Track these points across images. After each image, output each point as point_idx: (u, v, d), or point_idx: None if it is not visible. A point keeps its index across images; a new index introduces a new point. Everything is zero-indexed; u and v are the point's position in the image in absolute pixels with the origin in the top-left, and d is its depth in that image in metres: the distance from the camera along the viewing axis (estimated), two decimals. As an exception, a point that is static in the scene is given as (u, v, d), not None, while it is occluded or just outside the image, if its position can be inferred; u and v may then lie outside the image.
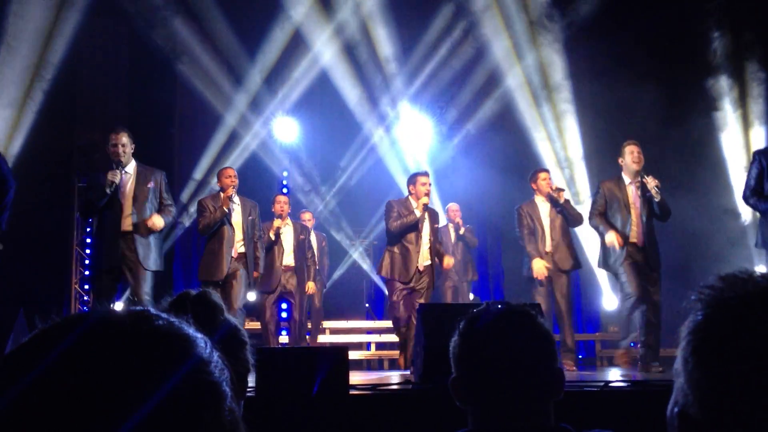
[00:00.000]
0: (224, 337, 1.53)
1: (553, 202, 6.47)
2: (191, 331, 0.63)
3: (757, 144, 8.32)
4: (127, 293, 7.74)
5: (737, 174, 8.49)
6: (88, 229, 9.36)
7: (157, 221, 5.59)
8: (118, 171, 5.44)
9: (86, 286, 9.22)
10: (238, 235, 6.36)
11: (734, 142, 8.83)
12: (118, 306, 7.37)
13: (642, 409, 3.20)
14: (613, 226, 5.93)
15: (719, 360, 0.71)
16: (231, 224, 6.33)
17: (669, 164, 7.97)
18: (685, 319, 0.77)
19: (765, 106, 8.46)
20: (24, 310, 5.62)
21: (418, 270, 6.24)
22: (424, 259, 6.28)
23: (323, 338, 8.73)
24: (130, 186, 5.57)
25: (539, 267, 6.32)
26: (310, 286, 7.70)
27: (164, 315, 0.64)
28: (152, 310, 0.64)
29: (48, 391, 0.55)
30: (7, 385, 0.55)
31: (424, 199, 6.25)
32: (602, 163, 8.41)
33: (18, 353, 0.59)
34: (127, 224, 5.46)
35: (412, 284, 6.21)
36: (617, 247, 5.87)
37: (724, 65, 8.70)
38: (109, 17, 8.21)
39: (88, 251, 9.29)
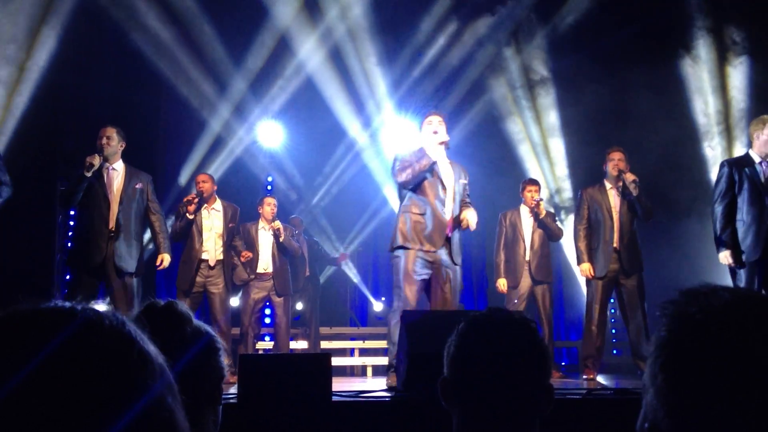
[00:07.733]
0: (196, 346, 1.52)
1: (535, 216, 6.64)
2: (127, 329, 0.63)
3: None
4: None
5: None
6: (70, 234, 9.27)
7: (166, 260, 5.63)
8: (97, 156, 5.22)
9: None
10: (210, 243, 6.25)
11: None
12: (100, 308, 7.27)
13: (625, 417, 3.21)
14: (588, 256, 5.96)
15: (687, 374, 0.72)
16: (201, 232, 6.23)
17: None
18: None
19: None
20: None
21: (447, 237, 4.73)
22: (450, 222, 4.78)
23: (295, 345, 8.44)
24: (118, 184, 5.40)
25: (502, 283, 6.76)
26: (276, 224, 6.91)
27: (106, 316, 0.63)
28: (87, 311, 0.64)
29: None
30: None
31: (438, 137, 4.76)
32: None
33: None
34: (112, 223, 5.29)
35: (432, 252, 4.67)
36: (588, 276, 5.98)
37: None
38: (93, 22, 8.14)
39: (69, 255, 9.17)
